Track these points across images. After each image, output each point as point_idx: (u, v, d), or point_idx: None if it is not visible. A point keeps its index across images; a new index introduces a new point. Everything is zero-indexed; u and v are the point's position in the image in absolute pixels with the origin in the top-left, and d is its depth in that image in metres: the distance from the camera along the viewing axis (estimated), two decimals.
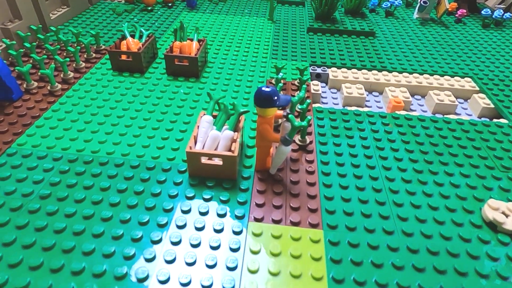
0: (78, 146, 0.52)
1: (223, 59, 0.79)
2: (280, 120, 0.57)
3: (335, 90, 0.77)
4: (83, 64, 0.72)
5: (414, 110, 0.71)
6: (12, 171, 0.47)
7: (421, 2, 1.01)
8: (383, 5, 1.07)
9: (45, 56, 0.66)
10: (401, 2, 1.05)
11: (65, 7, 0.93)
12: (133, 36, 0.75)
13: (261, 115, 0.45)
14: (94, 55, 0.76)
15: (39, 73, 0.67)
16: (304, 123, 0.43)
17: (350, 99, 0.71)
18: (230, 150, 0.48)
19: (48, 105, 0.60)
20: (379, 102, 0.74)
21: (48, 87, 0.64)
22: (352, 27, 0.94)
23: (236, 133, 0.49)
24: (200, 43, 0.74)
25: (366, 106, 0.72)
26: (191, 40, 0.74)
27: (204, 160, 0.47)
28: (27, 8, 0.78)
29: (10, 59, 0.72)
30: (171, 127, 0.57)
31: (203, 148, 0.48)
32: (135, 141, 0.54)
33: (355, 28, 0.94)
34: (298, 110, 0.61)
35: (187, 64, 0.69)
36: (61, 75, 0.68)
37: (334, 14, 0.98)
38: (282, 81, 0.69)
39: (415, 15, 1.08)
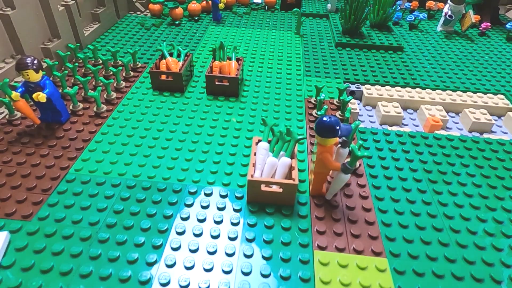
0: (134, 172, 0.53)
1: (258, 77, 0.80)
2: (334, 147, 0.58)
3: (370, 108, 0.78)
4: (123, 84, 0.73)
5: (450, 128, 0.72)
6: (76, 198, 0.48)
7: (447, 16, 1.02)
8: (407, 18, 1.08)
9: (90, 78, 0.67)
10: (425, 15, 1.06)
11: (96, 22, 0.94)
12: (171, 55, 0.76)
13: (322, 144, 0.46)
14: (132, 73, 0.77)
15: (83, 94, 0.68)
16: (366, 153, 0.44)
17: (388, 117, 0.71)
18: (287, 177, 0.49)
19: (97, 128, 0.61)
20: (414, 120, 0.75)
21: (94, 109, 0.65)
22: (380, 41, 0.95)
23: (293, 160, 0.50)
24: (239, 62, 0.75)
25: (403, 124, 0.73)
26: (230, 59, 0.75)
27: (263, 187, 0.48)
28: (65, 26, 0.79)
29: (51, 79, 0.73)
30: (221, 151, 0.58)
31: (261, 175, 0.49)
32: (188, 165, 0.55)
33: (383, 43, 0.94)
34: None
35: (227, 84, 0.70)
36: (104, 96, 0.69)
37: (361, 28, 0.99)
38: (324, 102, 0.69)
39: (439, 28, 1.09)
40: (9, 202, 0.47)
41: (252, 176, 0.47)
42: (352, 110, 0.71)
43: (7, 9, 0.66)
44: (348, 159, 0.45)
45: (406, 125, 0.73)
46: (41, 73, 0.57)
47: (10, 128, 0.60)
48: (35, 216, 0.46)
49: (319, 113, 0.61)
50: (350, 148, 0.45)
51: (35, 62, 0.55)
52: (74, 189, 0.50)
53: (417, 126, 0.73)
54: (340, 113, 0.67)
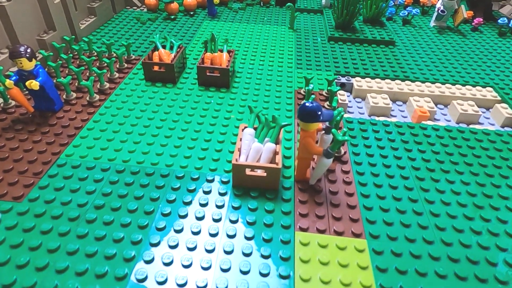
0: (124, 157, 0.54)
1: (249, 69, 0.81)
2: (318, 133, 0.59)
3: (359, 100, 0.79)
4: (117, 75, 0.74)
5: (438, 120, 0.73)
6: (65, 181, 0.50)
7: (439, 11, 1.03)
8: (400, 14, 1.09)
9: (83, 68, 0.69)
10: (418, 10, 1.07)
11: (92, 16, 0.96)
12: (164, 47, 0.77)
13: (304, 129, 0.47)
14: (125, 65, 0.78)
15: (76, 84, 0.70)
16: (347, 137, 0.45)
17: (376, 108, 0.73)
18: (272, 161, 0.50)
19: (89, 116, 0.63)
20: (403, 111, 0.76)
21: (87, 98, 0.66)
22: (372, 36, 0.96)
23: (277, 145, 0.51)
24: (230, 54, 0.76)
25: (391, 115, 0.75)
26: (221, 51, 0.76)
27: (248, 171, 0.49)
28: (60, 19, 0.80)
29: (46, 69, 0.74)
30: (209, 138, 0.59)
31: (246, 160, 0.50)
32: (177, 151, 0.56)
33: (375, 37, 0.96)
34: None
35: (219, 75, 0.72)
36: (98, 86, 0.70)
37: (354, 23, 1.00)
38: (312, 92, 0.71)
39: (432, 24, 1.10)
40: (1, 184, 0.49)
41: (236, 160, 0.48)
42: (341, 101, 0.72)
43: (3, 1, 0.67)
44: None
45: (395, 116, 0.74)
46: (34, 61, 0.58)
47: (5, 116, 0.61)
48: (26, 197, 0.47)
49: (307, 99, 0.63)
50: (332, 132, 0.46)
51: (28, 50, 0.57)
52: (65, 173, 0.51)
53: (405, 117, 0.74)
54: (328, 104, 0.68)
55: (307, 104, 0.46)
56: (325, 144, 0.51)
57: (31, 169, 0.51)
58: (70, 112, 0.64)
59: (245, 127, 0.54)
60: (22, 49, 0.56)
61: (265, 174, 0.49)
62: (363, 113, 0.75)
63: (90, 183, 0.50)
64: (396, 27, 1.08)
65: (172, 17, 1.05)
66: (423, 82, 0.81)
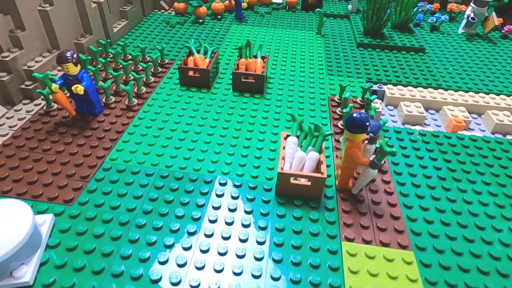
0: (167, 162, 0.55)
1: (281, 75, 0.82)
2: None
3: (391, 107, 0.78)
4: (152, 79, 0.75)
5: (473, 130, 0.73)
6: (113, 186, 0.51)
7: (469, 18, 1.02)
8: (428, 20, 1.09)
9: (121, 72, 0.70)
10: (447, 17, 1.07)
11: (124, 20, 0.97)
12: (197, 52, 0.78)
13: (350, 140, 0.48)
14: (160, 69, 0.79)
15: (114, 88, 0.71)
16: (394, 149, 0.45)
17: (410, 117, 0.72)
18: (315, 171, 0.51)
19: (129, 120, 0.64)
20: (436, 120, 0.75)
21: (126, 102, 0.67)
22: (402, 43, 0.96)
23: (321, 154, 0.51)
24: (264, 60, 0.76)
25: (425, 124, 0.74)
26: (255, 57, 0.77)
27: (292, 180, 0.49)
28: (97, 22, 0.82)
29: None
30: (248, 145, 0.60)
31: (290, 168, 0.51)
32: (217, 158, 0.57)
33: (405, 44, 0.95)
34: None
35: (253, 81, 0.72)
36: (135, 90, 0.71)
37: (383, 29, 0.99)
38: (349, 100, 0.71)
39: (461, 30, 1.09)
40: (51, 188, 0.50)
41: (282, 168, 0.49)
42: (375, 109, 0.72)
43: (46, 5, 0.69)
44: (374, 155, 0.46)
45: (428, 125, 0.74)
46: (79, 66, 0.59)
47: (48, 119, 0.63)
48: (76, 201, 0.48)
49: (344, 110, 0.63)
50: (378, 144, 0.47)
51: (75, 56, 0.58)
52: (111, 177, 0.52)
53: (439, 126, 0.73)
54: (364, 112, 0.68)
55: (354, 115, 0.46)
56: (368, 154, 0.51)
57: (78, 172, 0.53)
58: (110, 116, 0.65)
59: (288, 136, 0.54)
60: (68, 54, 0.58)
61: (309, 183, 0.49)
62: (396, 121, 0.75)
63: (136, 188, 0.51)
64: (424, 34, 1.07)
65: (200, 20, 1.06)
66: (456, 90, 0.80)
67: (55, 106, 0.65)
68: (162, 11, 1.14)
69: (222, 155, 0.58)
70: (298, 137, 0.54)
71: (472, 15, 1.03)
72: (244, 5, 1.06)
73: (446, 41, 1.03)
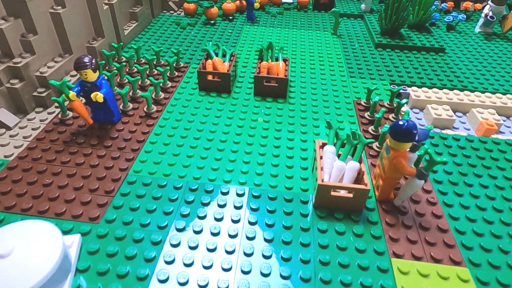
0: (195, 174, 0.52)
1: (302, 77, 0.79)
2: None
3: (417, 110, 0.76)
4: (169, 84, 0.72)
5: (503, 133, 0.70)
6: (140, 201, 0.48)
7: (488, 17, 1.00)
8: (445, 19, 1.06)
9: (138, 77, 0.67)
10: (464, 16, 1.04)
11: (134, 21, 0.94)
12: (216, 55, 0.75)
13: (395, 148, 0.45)
14: (176, 73, 0.76)
15: (131, 94, 0.67)
16: (445, 158, 0.42)
17: (439, 120, 0.70)
18: (355, 181, 0.48)
19: (149, 129, 0.60)
20: (464, 123, 0.73)
21: (144, 109, 0.64)
22: (421, 43, 0.93)
23: (361, 164, 0.48)
24: (286, 63, 0.73)
25: (454, 127, 0.72)
26: (276, 59, 0.74)
27: (333, 192, 0.47)
28: (108, 25, 0.78)
29: None
30: (278, 153, 0.57)
31: (329, 179, 0.48)
32: (247, 168, 0.53)
33: (424, 44, 0.93)
34: None
35: (276, 85, 0.69)
36: (153, 95, 0.68)
37: (401, 29, 0.97)
38: (380, 103, 0.68)
39: (478, 29, 1.06)
40: (75, 204, 0.46)
41: (322, 180, 0.46)
42: (402, 113, 0.69)
43: (58, 8, 0.65)
44: (412, 163, 0.43)
45: (457, 128, 0.71)
46: (98, 72, 0.56)
47: (64, 128, 0.59)
48: (103, 218, 0.45)
49: (376, 116, 0.60)
50: (427, 152, 0.44)
51: (93, 61, 0.55)
52: (138, 191, 0.49)
53: (468, 130, 0.71)
54: (394, 116, 0.65)
55: (401, 122, 0.43)
56: (409, 162, 0.48)
57: (102, 186, 0.49)
58: (129, 124, 0.62)
59: (323, 144, 0.51)
60: (87, 60, 0.54)
61: (351, 195, 0.46)
62: (423, 125, 0.72)
63: (166, 203, 0.47)
64: (441, 33, 1.05)
65: (212, 22, 1.03)
66: (482, 92, 0.78)
67: (70, 114, 0.62)
68: (171, 12, 1.10)
69: (251, 165, 0.54)
70: (334, 144, 0.51)
71: (490, 13, 1.01)
72: (257, 5, 1.03)
73: (465, 40, 1.01)
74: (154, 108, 0.65)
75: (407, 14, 0.92)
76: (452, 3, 1.19)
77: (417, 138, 0.44)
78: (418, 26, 1.01)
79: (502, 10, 1.01)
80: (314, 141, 0.53)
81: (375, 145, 0.58)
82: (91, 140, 0.57)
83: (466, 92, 0.77)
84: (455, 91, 0.77)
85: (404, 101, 0.63)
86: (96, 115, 0.61)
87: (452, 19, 1.06)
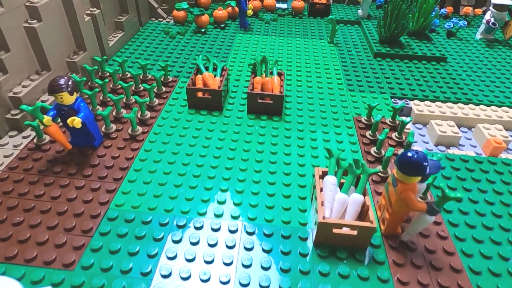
0: (183, 207, 0.47)
1: (298, 92, 0.74)
2: None
3: (420, 125, 0.72)
4: (156, 101, 0.67)
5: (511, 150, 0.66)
6: (121, 241, 0.43)
7: (490, 24, 0.97)
8: (445, 26, 1.03)
9: (122, 96, 0.62)
10: (465, 22, 1.01)
11: (120, 31, 0.88)
12: (206, 68, 0.70)
13: (404, 182, 0.40)
14: (163, 89, 0.71)
15: (114, 114, 0.63)
16: (460, 194, 0.38)
17: (444, 138, 0.66)
18: (360, 216, 0.43)
19: (134, 153, 0.56)
20: (470, 139, 0.69)
21: (129, 131, 0.59)
22: (422, 52, 0.89)
23: (365, 197, 0.44)
24: (281, 78, 0.69)
25: (459, 144, 0.68)
26: (271, 73, 0.69)
27: (335, 229, 0.42)
28: (91, 37, 0.73)
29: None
30: (273, 180, 0.52)
31: (331, 214, 0.43)
32: (241, 199, 0.49)
33: (425, 53, 0.89)
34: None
35: (271, 102, 0.65)
36: (138, 115, 0.63)
37: (401, 37, 0.92)
38: (381, 120, 0.64)
39: (479, 36, 1.03)
40: (47, 247, 0.41)
41: (323, 218, 0.42)
42: (405, 130, 0.65)
43: (33, 21, 0.60)
44: (421, 195, 0.39)
45: (463, 145, 0.68)
46: (75, 94, 0.51)
47: (40, 155, 0.54)
48: (78, 264, 0.40)
49: (380, 138, 0.56)
50: (441, 187, 0.40)
51: (70, 83, 0.50)
52: (119, 229, 0.44)
53: (474, 147, 0.67)
54: (397, 135, 0.61)
55: (410, 154, 0.39)
56: (417, 193, 0.44)
57: (79, 225, 0.44)
58: (111, 148, 0.57)
59: (323, 173, 0.47)
60: (62, 82, 0.49)
61: (355, 233, 0.42)
62: (427, 142, 0.68)
63: (150, 243, 0.43)
64: (441, 40, 1.01)
65: (203, 30, 0.98)
66: (487, 105, 0.74)
67: (47, 138, 0.57)
68: (160, 19, 1.05)
69: (245, 194, 0.50)
70: (336, 173, 0.47)
71: (492, 20, 0.97)
72: (250, 12, 0.98)
73: (466, 48, 0.97)
74: (140, 129, 0.60)
75: (407, 22, 0.88)
76: (451, 8, 1.16)
77: (428, 171, 0.39)
78: (418, 33, 0.97)
79: (504, 16, 0.98)
80: (314, 168, 0.49)
81: (379, 168, 0.54)
82: (69, 168, 0.52)
83: (471, 105, 0.73)
84: (460, 104, 0.73)
85: (408, 119, 0.59)
86: (75, 139, 0.56)
87: (452, 25, 1.02)
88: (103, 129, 0.59)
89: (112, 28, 0.87)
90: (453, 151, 0.62)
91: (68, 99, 0.50)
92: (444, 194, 0.39)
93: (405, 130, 0.64)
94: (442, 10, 1.12)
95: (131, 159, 0.55)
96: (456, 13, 1.19)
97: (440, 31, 1.07)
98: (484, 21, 1.01)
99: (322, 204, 0.43)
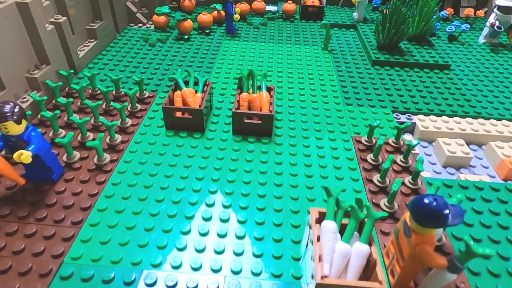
0: (153, 259, 0.39)
1: (290, 107, 0.67)
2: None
3: (425, 143, 0.65)
4: (129, 122, 0.59)
5: None
6: None
7: (495, 27, 0.90)
8: (446, 29, 0.96)
9: (88, 119, 0.54)
10: (468, 26, 0.94)
11: (93, 40, 0.80)
12: (186, 83, 0.62)
13: (419, 233, 0.33)
14: (138, 106, 0.63)
15: (79, 139, 0.54)
16: (490, 251, 0.31)
17: (453, 159, 0.59)
18: (367, 270, 0.36)
19: (99, 188, 0.48)
20: (481, 159, 0.62)
21: (94, 160, 0.51)
22: (424, 59, 0.82)
23: (372, 247, 0.37)
24: (271, 93, 0.61)
25: (470, 165, 0.61)
26: (259, 87, 0.62)
27: None
28: (55, 49, 0.65)
29: (39, 116, 0.59)
30: (262, 220, 0.44)
31: (330, 269, 0.36)
32: (223, 246, 0.41)
33: (427, 61, 0.82)
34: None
35: (259, 121, 0.57)
36: (107, 140, 0.55)
37: (400, 43, 0.85)
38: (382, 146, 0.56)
39: (482, 40, 0.96)
40: None
41: (322, 277, 0.34)
42: (412, 152, 0.58)
43: None
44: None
45: (474, 167, 0.61)
46: (24, 123, 0.43)
47: None
48: None
49: (384, 166, 0.48)
50: (465, 240, 0.32)
51: (16, 111, 0.41)
52: None
53: (486, 168, 0.60)
54: (403, 159, 0.54)
55: (426, 200, 0.32)
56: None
57: (23, 286, 0.36)
58: (73, 182, 0.48)
59: (320, 214, 0.40)
60: (7, 109, 0.41)
61: None
62: (434, 163, 0.61)
63: None
64: (442, 45, 0.94)
65: (186, 36, 0.90)
66: (498, 119, 0.67)
67: None
68: (140, 25, 0.97)
69: (228, 238, 0.42)
70: (335, 214, 0.40)
71: (497, 23, 0.91)
72: (237, 17, 0.90)
73: (470, 54, 0.91)
74: (107, 158, 0.52)
75: (407, 27, 0.81)
76: (452, 9, 1.09)
77: (450, 220, 0.32)
78: (418, 38, 0.90)
79: (509, 19, 0.91)
80: (308, 211, 0.42)
81: (383, 203, 0.47)
82: (20, 210, 0.44)
83: (480, 120, 0.67)
84: (468, 119, 0.66)
85: (415, 142, 0.52)
86: (29, 172, 0.47)
87: (454, 29, 0.95)
88: (64, 158, 0.51)
89: (83, 36, 0.79)
90: (465, 175, 0.56)
91: (14, 129, 0.42)
92: (469, 250, 0.32)
93: (411, 157, 0.57)
94: (442, 13, 1.05)
95: (95, 195, 0.47)
96: (456, 15, 1.13)
97: (441, 34, 1.00)
98: (487, 24, 0.94)
99: (320, 258, 0.36)
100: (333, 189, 0.40)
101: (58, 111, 0.54)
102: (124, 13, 0.94)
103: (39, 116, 0.58)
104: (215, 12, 0.97)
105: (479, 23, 1.07)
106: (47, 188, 0.47)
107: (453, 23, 0.96)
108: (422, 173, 0.54)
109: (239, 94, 0.60)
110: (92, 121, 0.58)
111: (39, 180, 0.48)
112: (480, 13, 1.03)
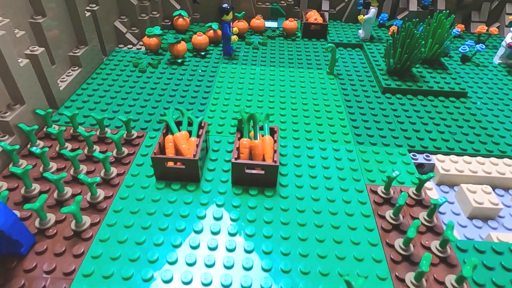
0: None
1: (295, 148, 0.60)
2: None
3: (446, 188, 0.58)
4: (114, 172, 0.52)
5: None
6: None
7: None
8: (459, 49, 0.89)
9: (65, 174, 0.46)
10: (483, 46, 0.87)
11: (76, 67, 0.73)
12: (179, 123, 0.55)
13: None
14: (125, 151, 0.56)
15: (55, 197, 0.47)
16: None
17: (480, 210, 0.52)
18: None
19: (76, 263, 0.40)
20: (510, 206, 0.56)
21: (72, 225, 0.44)
22: (438, 86, 0.76)
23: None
24: (275, 137, 0.54)
25: (499, 216, 0.55)
26: (261, 128, 0.55)
27: None
28: (31, 84, 0.57)
29: (9, 169, 0.51)
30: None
31: None
32: None
33: (442, 88, 0.75)
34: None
35: (262, 172, 0.50)
36: (87, 198, 0.48)
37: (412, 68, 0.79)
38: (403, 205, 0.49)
39: (497, 60, 0.90)
40: None
41: None
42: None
43: None
44: None
45: (503, 217, 0.54)
46: None
47: None
48: None
49: (409, 235, 0.41)
50: None
51: None
52: None
53: None
54: (427, 218, 0.47)
55: None
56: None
57: None
58: (46, 254, 0.41)
59: None
60: None
61: None
62: (458, 214, 0.54)
63: None
64: (456, 67, 0.88)
65: (179, 60, 0.83)
66: None
67: None
68: (129, 46, 0.89)
69: None
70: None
71: None
72: (235, 38, 0.83)
73: (486, 77, 0.84)
74: (87, 221, 0.45)
75: (419, 51, 0.74)
76: (463, 25, 1.03)
77: None
78: (430, 61, 0.84)
79: None
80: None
81: (409, 280, 0.40)
82: None
83: (505, 160, 0.60)
84: (492, 159, 0.60)
85: (442, 200, 0.45)
86: None
87: (467, 49, 0.89)
88: (36, 224, 0.44)
89: (66, 64, 0.71)
90: (496, 234, 0.48)
91: None
92: None
93: (437, 218, 0.50)
94: (454, 30, 0.98)
95: (72, 273, 0.40)
96: (467, 31, 1.06)
97: (453, 54, 0.94)
98: (504, 43, 0.88)
99: None
100: (354, 279, 0.33)
101: (29, 166, 0.47)
102: (112, 33, 0.86)
103: (9, 168, 0.51)
104: (211, 31, 0.90)
105: (492, 41, 1.01)
106: (14, 265, 0.40)
107: (466, 42, 0.90)
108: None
109: (239, 139, 0.53)
110: (71, 172, 0.51)
111: (5, 254, 0.41)
112: (494, 30, 0.97)
